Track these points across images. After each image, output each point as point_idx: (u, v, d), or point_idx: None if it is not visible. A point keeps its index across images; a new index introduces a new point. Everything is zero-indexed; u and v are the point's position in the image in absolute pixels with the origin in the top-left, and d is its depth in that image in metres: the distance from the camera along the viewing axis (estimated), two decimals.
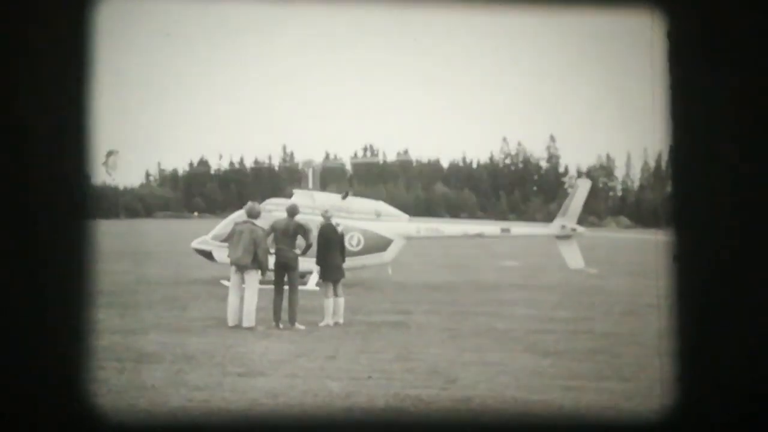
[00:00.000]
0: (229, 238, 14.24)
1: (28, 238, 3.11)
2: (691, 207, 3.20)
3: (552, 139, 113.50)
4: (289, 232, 14.07)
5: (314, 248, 14.57)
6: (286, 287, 13.91)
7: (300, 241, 14.36)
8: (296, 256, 14.10)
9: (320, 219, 14.97)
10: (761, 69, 3.11)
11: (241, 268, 13.68)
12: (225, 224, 20.72)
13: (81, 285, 3.20)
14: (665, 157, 3.22)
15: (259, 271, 13.78)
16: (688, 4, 3.13)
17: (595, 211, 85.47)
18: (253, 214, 14.10)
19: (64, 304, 3.17)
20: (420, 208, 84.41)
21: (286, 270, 13.94)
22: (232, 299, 13.65)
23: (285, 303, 13.81)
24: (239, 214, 19.06)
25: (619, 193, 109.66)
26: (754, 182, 3.14)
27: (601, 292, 20.49)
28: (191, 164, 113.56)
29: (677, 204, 3.21)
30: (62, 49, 3.09)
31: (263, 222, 14.36)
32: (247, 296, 13.54)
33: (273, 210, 18.95)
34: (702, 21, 3.13)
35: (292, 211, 14.55)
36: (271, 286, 14.05)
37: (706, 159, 3.16)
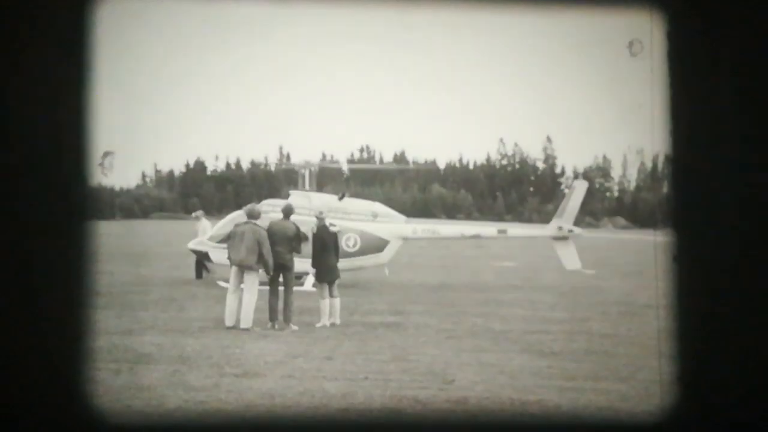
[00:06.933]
0: (229, 239, 14.22)
1: (26, 238, 3.10)
2: (690, 207, 3.19)
3: (549, 139, 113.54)
4: (287, 234, 14.07)
5: (309, 249, 14.61)
6: (281, 288, 13.93)
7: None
8: (292, 257, 14.11)
9: (314, 220, 14.97)
10: (760, 70, 3.11)
11: (243, 269, 13.67)
12: (222, 225, 20.73)
13: (79, 286, 3.19)
14: (662, 158, 3.21)
15: (260, 272, 13.79)
16: (687, 5, 3.13)
17: (591, 212, 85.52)
18: (254, 215, 14.10)
19: (62, 306, 3.17)
20: (417, 209, 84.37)
21: (282, 271, 13.95)
22: (231, 300, 13.64)
23: (280, 304, 13.83)
24: (237, 215, 19.06)
25: (616, 194, 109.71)
26: (753, 183, 3.14)
27: (598, 293, 20.49)
28: (187, 165, 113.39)
29: (676, 204, 3.21)
30: (60, 49, 3.09)
31: (262, 223, 14.35)
32: (246, 297, 13.54)
33: (269, 211, 18.95)
34: (701, 22, 3.13)
35: (288, 211, 14.55)
36: (268, 287, 14.05)
37: (705, 159, 3.16)
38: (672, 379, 3.28)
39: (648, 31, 3.14)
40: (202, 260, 21.45)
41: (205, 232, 21.89)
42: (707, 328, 3.23)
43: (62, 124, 3.13)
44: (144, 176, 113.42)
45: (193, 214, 23.12)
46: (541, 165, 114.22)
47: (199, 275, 21.61)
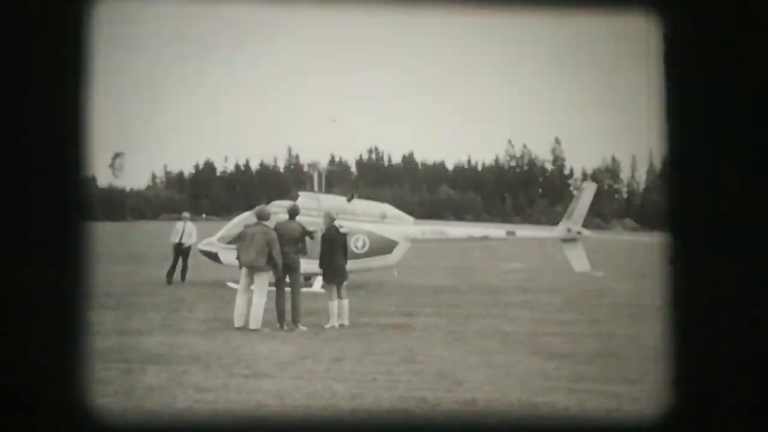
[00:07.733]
0: (239, 241, 14.24)
1: (28, 239, 3.12)
2: (690, 209, 3.20)
3: (557, 141, 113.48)
4: (293, 235, 14.08)
5: (317, 250, 14.62)
6: (287, 289, 13.95)
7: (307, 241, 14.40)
8: (298, 258, 14.12)
9: (323, 222, 14.95)
10: (759, 71, 3.12)
11: (253, 270, 13.68)
12: (231, 226, 20.79)
13: (82, 287, 3.21)
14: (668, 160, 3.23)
15: (270, 273, 13.80)
16: (686, 6, 3.14)
17: (600, 214, 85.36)
18: (264, 217, 14.12)
19: (65, 306, 3.18)
20: (425, 210, 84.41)
21: (289, 272, 13.97)
22: (240, 301, 13.67)
23: (288, 305, 13.84)
24: (246, 217, 19.09)
25: (625, 196, 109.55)
26: (753, 184, 3.15)
27: (606, 295, 20.46)
28: (197, 166, 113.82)
29: (676, 206, 3.21)
30: (62, 50, 3.10)
31: (271, 224, 14.37)
32: (256, 298, 13.57)
33: (278, 212, 19.02)
34: (699, 23, 3.14)
35: (294, 212, 14.57)
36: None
37: (704, 161, 3.17)
38: (679, 380, 3.28)
39: (649, 33, 3.15)
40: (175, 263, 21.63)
41: (191, 236, 21.97)
42: (712, 329, 3.23)
43: (64, 125, 3.14)
44: (154, 177, 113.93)
45: (184, 214, 23.22)
46: (549, 167, 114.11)
47: (170, 280, 21.45)
